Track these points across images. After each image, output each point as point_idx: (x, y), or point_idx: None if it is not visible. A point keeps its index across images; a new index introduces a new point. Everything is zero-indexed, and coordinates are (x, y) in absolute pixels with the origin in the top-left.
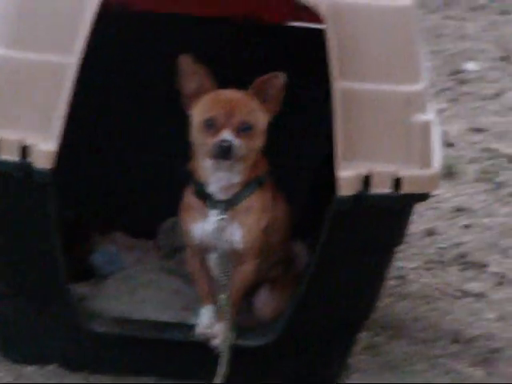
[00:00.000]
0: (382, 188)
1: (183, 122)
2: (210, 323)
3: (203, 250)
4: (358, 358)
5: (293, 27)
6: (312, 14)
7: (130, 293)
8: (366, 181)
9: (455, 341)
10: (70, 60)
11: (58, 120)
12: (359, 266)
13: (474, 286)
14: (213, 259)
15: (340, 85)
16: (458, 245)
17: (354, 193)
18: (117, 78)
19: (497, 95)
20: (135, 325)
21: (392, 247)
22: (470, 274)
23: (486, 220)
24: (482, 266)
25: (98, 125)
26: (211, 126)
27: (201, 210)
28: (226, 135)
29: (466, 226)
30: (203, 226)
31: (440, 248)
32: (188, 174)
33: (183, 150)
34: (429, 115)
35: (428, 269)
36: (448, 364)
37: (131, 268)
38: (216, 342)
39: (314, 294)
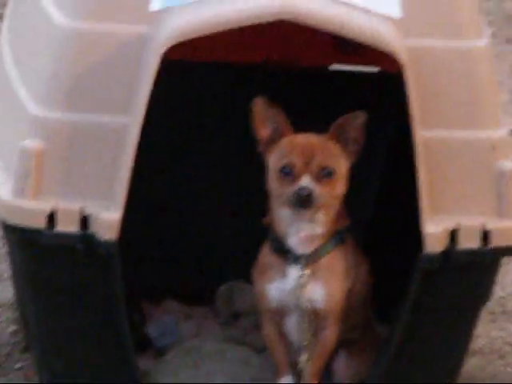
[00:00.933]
0: (470, 243)
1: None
2: None
3: (280, 313)
4: None
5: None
6: (357, 57)
7: (194, 366)
8: (454, 236)
9: None
10: (131, 120)
11: (121, 185)
12: (447, 325)
13: None
14: (291, 322)
15: (422, 134)
16: None
17: (442, 249)
18: (174, 132)
19: None
20: None
21: (481, 304)
22: None
23: None
24: None
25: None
26: (289, 172)
27: (279, 268)
28: (306, 182)
29: None
30: (281, 285)
31: (500, 297)
32: (259, 231)
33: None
34: None
35: (492, 320)
36: None
37: (190, 339)
38: None
39: (401, 359)
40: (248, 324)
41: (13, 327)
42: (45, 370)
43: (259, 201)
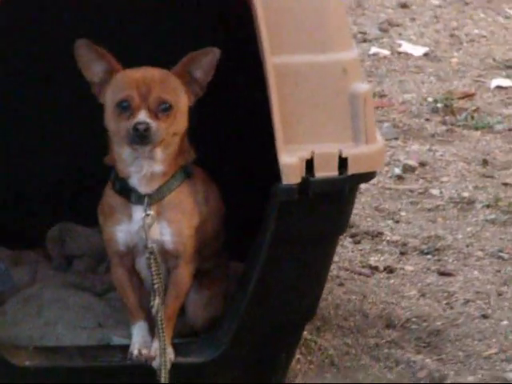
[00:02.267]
0: (327, 171)
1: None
2: (145, 342)
3: (129, 255)
4: (294, 359)
5: None
6: None
7: (35, 315)
8: (310, 165)
9: (389, 326)
10: None
11: None
12: (306, 258)
13: (379, 260)
14: (142, 264)
15: (272, 60)
16: None
17: (299, 180)
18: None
19: None
20: (62, 354)
21: (338, 234)
22: (366, 245)
23: None
24: (376, 236)
25: None
26: (125, 108)
27: (123, 209)
28: (142, 117)
29: None
30: (128, 227)
31: None
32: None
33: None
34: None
35: None
36: (392, 354)
37: (25, 286)
38: (155, 362)
39: (260, 296)
40: (83, 267)
41: None
42: None
43: (92, 139)
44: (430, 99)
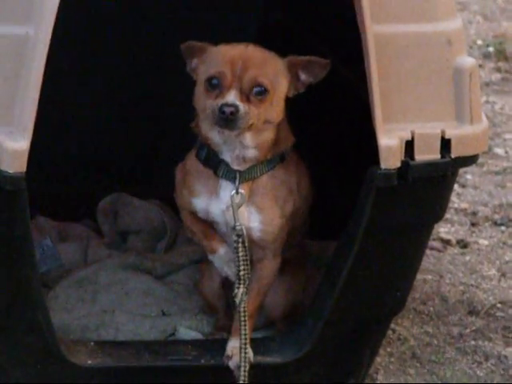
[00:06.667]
0: (428, 154)
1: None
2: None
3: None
4: None
5: None
6: None
7: (90, 301)
8: (410, 147)
9: (472, 312)
10: (36, 30)
11: (27, 110)
12: (400, 247)
13: (449, 231)
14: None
15: (372, 30)
16: None
17: (399, 164)
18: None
19: None
20: (127, 350)
21: (435, 221)
22: None
23: None
24: None
25: None
26: (215, 85)
27: (207, 182)
28: (231, 98)
29: None
30: (210, 203)
31: None
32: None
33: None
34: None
35: None
36: (480, 346)
37: (74, 264)
38: (232, 362)
39: (350, 291)
40: (140, 245)
41: None
42: None
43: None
44: (479, 42)
